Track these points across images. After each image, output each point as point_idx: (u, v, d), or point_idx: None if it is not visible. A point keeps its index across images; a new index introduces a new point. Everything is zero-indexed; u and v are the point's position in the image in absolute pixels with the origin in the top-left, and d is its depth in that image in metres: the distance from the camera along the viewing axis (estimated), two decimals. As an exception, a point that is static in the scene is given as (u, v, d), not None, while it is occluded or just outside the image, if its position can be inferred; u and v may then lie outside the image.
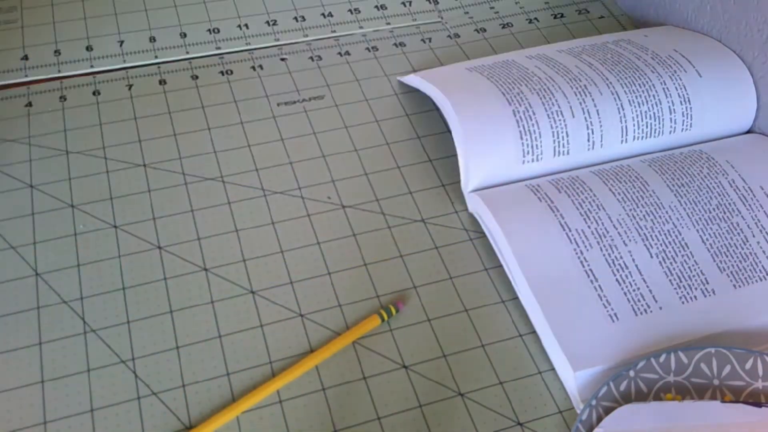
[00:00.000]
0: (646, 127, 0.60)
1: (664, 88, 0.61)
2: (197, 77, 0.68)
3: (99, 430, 0.46)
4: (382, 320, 0.52)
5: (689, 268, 0.53)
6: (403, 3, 0.77)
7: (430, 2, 0.77)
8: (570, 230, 0.54)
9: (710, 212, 0.56)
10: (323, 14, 0.76)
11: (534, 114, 0.59)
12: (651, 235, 0.54)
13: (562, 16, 0.77)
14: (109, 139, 0.63)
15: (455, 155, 0.60)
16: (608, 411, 0.46)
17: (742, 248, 0.55)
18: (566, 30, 0.75)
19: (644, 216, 0.55)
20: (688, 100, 0.61)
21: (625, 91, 0.61)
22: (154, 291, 0.53)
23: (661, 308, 0.51)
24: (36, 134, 0.62)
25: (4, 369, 0.49)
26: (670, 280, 0.52)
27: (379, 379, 0.50)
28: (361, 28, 0.75)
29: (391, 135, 0.65)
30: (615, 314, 0.50)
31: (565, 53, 0.65)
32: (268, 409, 0.48)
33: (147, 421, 0.47)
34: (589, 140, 0.60)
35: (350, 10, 0.76)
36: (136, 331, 0.51)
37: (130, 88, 0.67)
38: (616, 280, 0.52)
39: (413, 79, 0.66)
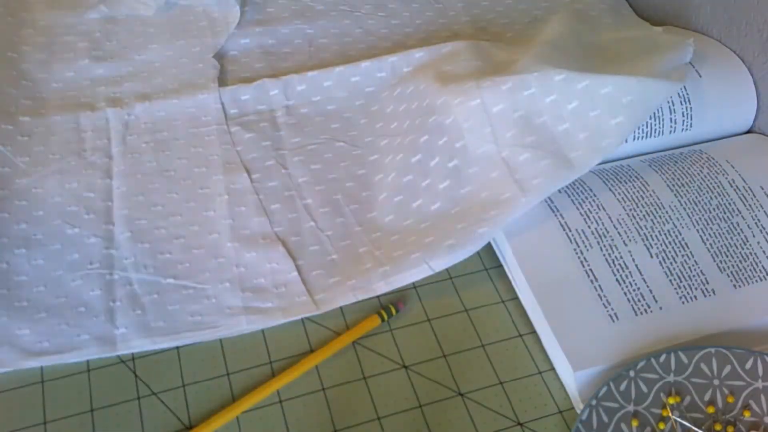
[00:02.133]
0: (646, 126, 0.60)
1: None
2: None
3: (99, 430, 0.46)
4: (382, 320, 0.52)
5: (689, 268, 0.53)
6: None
7: None
8: (570, 230, 0.54)
9: (710, 212, 0.56)
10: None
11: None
12: (651, 235, 0.54)
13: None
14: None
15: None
16: (608, 411, 0.46)
17: (742, 248, 0.55)
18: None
19: (644, 216, 0.55)
20: (688, 100, 0.61)
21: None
22: (154, 291, 0.53)
23: (661, 308, 0.51)
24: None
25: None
26: (670, 280, 0.52)
27: (379, 379, 0.50)
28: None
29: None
30: (615, 314, 0.50)
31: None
32: (268, 409, 0.48)
33: (147, 421, 0.47)
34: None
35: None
36: (136, 331, 0.51)
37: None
38: (616, 279, 0.52)
39: None
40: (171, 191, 0.58)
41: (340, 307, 0.53)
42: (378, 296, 0.54)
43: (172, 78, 0.67)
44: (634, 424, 0.46)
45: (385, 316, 0.52)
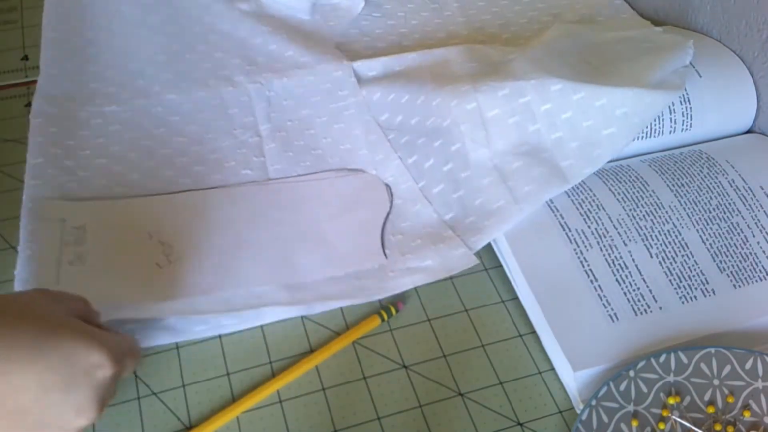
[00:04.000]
0: (646, 127, 0.60)
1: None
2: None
3: (99, 430, 0.46)
4: (382, 320, 0.52)
5: (689, 268, 0.53)
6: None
7: None
8: (570, 230, 0.54)
9: (710, 212, 0.56)
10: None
11: None
12: (651, 235, 0.54)
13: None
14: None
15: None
16: (608, 411, 0.46)
17: (742, 248, 0.55)
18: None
19: (644, 216, 0.55)
20: (688, 100, 0.61)
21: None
22: (154, 291, 0.53)
23: (661, 308, 0.51)
24: (36, 134, 0.62)
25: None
26: (669, 280, 0.52)
27: (379, 379, 0.50)
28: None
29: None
30: (615, 314, 0.50)
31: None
32: (268, 409, 0.48)
33: (147, 421, 0.47)
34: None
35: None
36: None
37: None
38: (616, 280, 0.52)
39: None
40: (322, 168, 0.60)
41: (341, 308, 0.53)
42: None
43: (302, 57, 0.68)
44: (634, 424, 0.46)
45: (385, 316, 0.52)
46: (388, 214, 0.57)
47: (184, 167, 0.59)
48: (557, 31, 0.65)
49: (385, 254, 0.54)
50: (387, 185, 0.59)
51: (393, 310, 0.52)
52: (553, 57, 0.60)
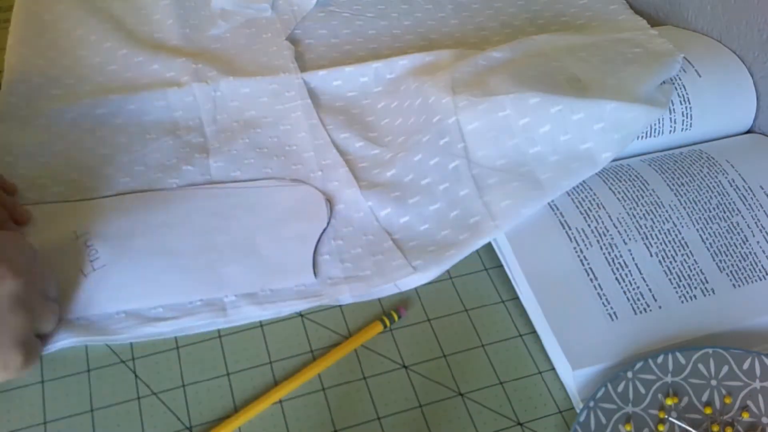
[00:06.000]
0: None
1: (663, 88, 0.61)
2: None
3: (99, 430, 0.46)
4: (384, 326, 0.52)
5: (689, 267, 0.53)
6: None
7: None
8: (570, 229, 0.54)
9: (710, 212, 0.56)
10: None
11: None
12: (651, 234, 0.54)
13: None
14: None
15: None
16: (606, 412, 0.46)
17: (742, 248, 0.55)
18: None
19: (644, 215, 0.55)
20: (688, 100, 0.61)
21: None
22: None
23: (660, 307, 0.51)
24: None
25: (4, 369, 0.49)
26: (669, 279, 0.52)
27: (379, 379, 0.50)
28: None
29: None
30: (614, 313, 0.51)
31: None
32: (268, 409, 0.48)
33: (147, 421, 0.47)
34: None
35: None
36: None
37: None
38: (616, 278, 0.52)
39: None
40: (266, 167, 0.60)
41: (341, 307, 0.53)
42: (380, 301, 0.54)
43: (250, 61, 0.68)
44: (632, 426, 0.46)
45: (387, 323, 0.52)
46: (324, 230, 0.55)
47: (124, 166, 0.59)
48: (543, 40, 0.65)
49: (314, 273, 0.53)
50: (327, 200, 0.57)
51: (395, 316, 0.52)
52: (533, 69, 0.60)
